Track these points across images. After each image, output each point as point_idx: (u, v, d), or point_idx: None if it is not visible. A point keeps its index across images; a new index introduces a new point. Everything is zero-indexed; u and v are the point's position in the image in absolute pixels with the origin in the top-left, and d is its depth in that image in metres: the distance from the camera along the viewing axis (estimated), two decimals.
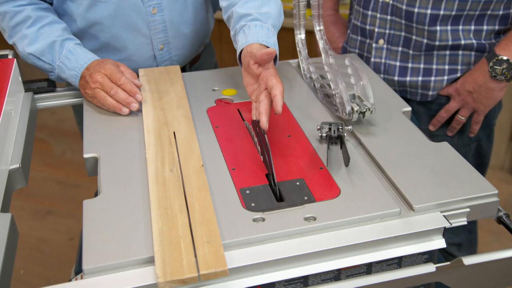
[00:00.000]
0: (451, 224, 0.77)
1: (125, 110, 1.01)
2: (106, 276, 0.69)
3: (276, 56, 0.99)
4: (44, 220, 2.25)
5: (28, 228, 2.18)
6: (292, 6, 1.16)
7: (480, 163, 1.34)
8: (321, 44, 1.16)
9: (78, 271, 1.12)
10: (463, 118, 1.22)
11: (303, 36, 1.19)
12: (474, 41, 1.17)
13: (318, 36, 1.16)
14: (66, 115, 2.91)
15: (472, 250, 1.45)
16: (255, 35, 0.99)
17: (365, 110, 0.95)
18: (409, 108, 1.05)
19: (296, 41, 1.19)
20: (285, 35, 2.73)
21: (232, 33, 1.07)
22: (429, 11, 1.14)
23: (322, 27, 1.16)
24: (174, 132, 0.96)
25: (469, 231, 1.40)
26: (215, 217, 0.76)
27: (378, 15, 1.22)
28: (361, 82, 0.99)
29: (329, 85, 1.05)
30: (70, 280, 0.92)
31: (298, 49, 1.19)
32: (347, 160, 0.86)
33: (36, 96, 1.14)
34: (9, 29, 1.07)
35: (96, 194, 1.09)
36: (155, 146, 0.92)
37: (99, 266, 0.69)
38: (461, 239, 1.39)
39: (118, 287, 0.67)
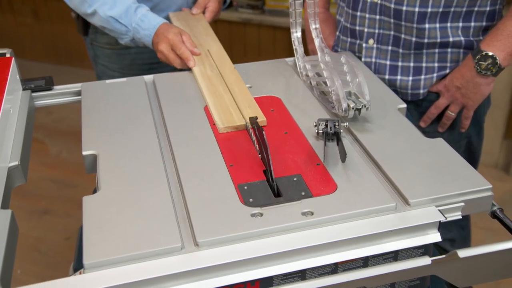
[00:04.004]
0: (446, 218, 0.78)
1: (192, 62, 1.22)
2: (106, 270, 0.70)
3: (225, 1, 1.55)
4: (41, 220, 2.25)
5: (25, 227, 2.18)
6: (288, 5, 1.18)
7: (471, 160, 1.35)
8: (317, 42, 1.17)
9: (77, 268, 1.13)
10: (453, 113, 1.24)
11: (299, 34, 1.20)
12: (462, 38, 1.19)
13: (314, 34, 1.17)
14: (63, 115, 2.91)
15: (466, 245, 1.47)
16: None
17: (361, 107, 0.97)
18: (404, 105, 1.06)
19: (292, 39, 1.20)
20: (281, 33, 2.75)
21: None
22: (417, 9, 1.16)
23: (318, 26, 1.17)
24: (208, 50, 1.26)
25: (462, 227, 1.41)
26: (251, 95, 1.07)
27: (367, 15, 1.24)
28: (357, 80, 1.00)
29: (325, 83, 1.06)
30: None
31: (294, 47, 1.20)
32: (343, 156, 0.87)
33: (34, 94, 1.14)
34: None
35: (94, 192, 1.09)
36: (196, 58, 1.21)
37: (100, 261, 0.70)
38: (454, 234, 1.41)
39: (119, 282, 0.68)
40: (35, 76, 1.19)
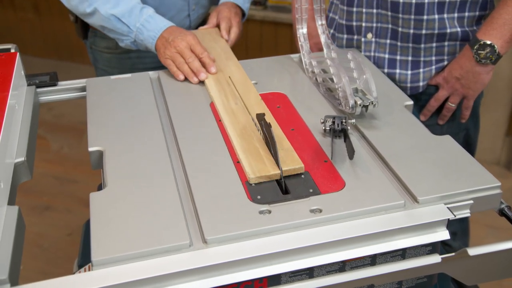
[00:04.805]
0: (455, 216, 0.78)
1: (195, 80, 1.13)
2: (115, 268, 0.69)
3: (244, 14, 1.40)
4: (42, 216, 2.24)
5: (26, 223, 2.17)
6: (290, 2, 1.17)
7: (468, 152, 1.36)
8: (323, 38, 1.16)
9: (82, 264, 1.12)
10: (453, 105, 1.25)
11: (305, 30, 1.19)
12: (458, 29, 1.20)
13: (320, 30, 1.16)
14: (63, 111, 2.90)
15: (465, 238, 1.49)
16: None
17: (368, 104, 0.96)
18: (411, 102, 1.06)
19: (298, 35, 1.19)
20: (283, 30, 2.75)
21: None
22: (414, 0, 1.16)
23: (324, 22, 1.16)
24: (229, 77, 1.12)
25: (461, 220, 1.42)
26: (283, 133, 0.93)
27: (364, 10, 1.24)
28: (364, 76, 0.99)
29: (331, 79, 1.06)
30: (73, 274, 0.93)
31: (300, 43, 1.19)
32: (351, 153, 0.86)
33: (39, 90, 1.13)
34: None
35: (99, 188, 1.09)
36: (216, 87, 1.09)
37: (108, 258, 0.70)
38: (455, 228, 1.42)
39: (127, 279, 0.68)
40: (36, 71, 1.18)
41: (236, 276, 0.72)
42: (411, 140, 0.93)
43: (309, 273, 0.76)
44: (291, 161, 0.85)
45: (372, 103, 0.96)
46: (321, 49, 1.19)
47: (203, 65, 1.14)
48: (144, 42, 1.20)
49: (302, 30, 1.19)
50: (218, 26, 1.34)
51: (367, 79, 0.98)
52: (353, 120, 0.97)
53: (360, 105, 0.96)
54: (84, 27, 1.46)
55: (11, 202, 0.80)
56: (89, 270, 0.83)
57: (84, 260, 1.13)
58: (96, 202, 0.79)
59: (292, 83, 1.15)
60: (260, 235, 0.74)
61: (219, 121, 1.00)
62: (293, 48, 2.67)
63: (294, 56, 1.27)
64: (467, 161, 0.88)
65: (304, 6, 1.16)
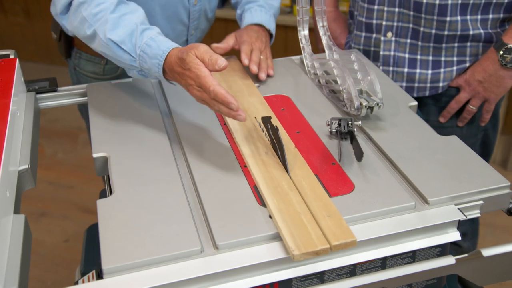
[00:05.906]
0: (466, 217, 0.78)
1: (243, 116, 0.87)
2: (126, 275, 0.68)
3: (271, 35, 1.25)
4: (38, 222, 2.22)
5: None
6: (287, 4, 1.16)
7: (485, 152, 1.36)
8: (324, 40, 1.16)
9: (85, 272, 1.11)
10: (474, 108, 1.24)
11: (306, 32, 1.19)
12: (481, 31, 1.20)
13: (321, 32, 1.16)
14: (57, 116, 2.88)
15: (475, 238, 1.48)
16: (260, 17, 1.22)
17: (373, 105, 0.96)
18: (415, 103, 1.06)
19: (300, 37, 1.18)
20: (278, 31, 2.73)
21: (239, 12, 1.29)
22: (437, 1, 1.16)
23: (325, 23, 1.16)
24: (255, 118, 0.98)
25: (472, 221, 1.42)
26: (325, 193, 0.80)
27: (386, 8, 1.24)
28: (369, 77, 0.99)
29: (335, 81, 1.05)
30: (76, 282, 0.91)
31: (301, 45, 1.19)
32: (359, 155, 0.86)
33: (38, 96, 1.12)
34: (90, 17, 1.00)
35: (102, 194, 1.07)
36: (242, 131, 0.94)
37: (119, 266, 0.69)
38: (465, 228, 1.42)
39: (138, 286, 0.67)
40: (29, 76, 1.16)
41: (247, 282, 0.71)
42: (418, 141, 0.93)
43: (320, 277, 0.75)
44: (342, 234, 0.72)
45: (378, 104, 0.96)
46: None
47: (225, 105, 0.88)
48: (152, 72, 0.97)
49: (303, 32, 1.19)
50: (234, 48, 1.19)
51: (371, 80, 0.98)
52: (360, 122, 0.96)
53: (365, 106, 0.96)
54: (67, 45, 1.29)
55: (16, 210, 0.79)
56: (92, 277, 0.82)
57: (87, 267, 1.11)
58: (104, 209, 0.78)
59: (295, 85, 1.15)
60: (270, 240, 0.73)
61: (224, 124, 0.99)
62: (288, 50, 2.67)
63: (295, 57, 1.26)
64: (475, 161, 0.87)
65: (305, 8, 1.16)
